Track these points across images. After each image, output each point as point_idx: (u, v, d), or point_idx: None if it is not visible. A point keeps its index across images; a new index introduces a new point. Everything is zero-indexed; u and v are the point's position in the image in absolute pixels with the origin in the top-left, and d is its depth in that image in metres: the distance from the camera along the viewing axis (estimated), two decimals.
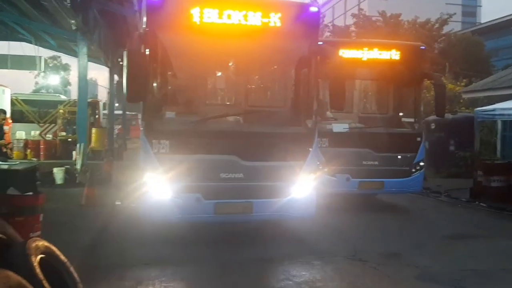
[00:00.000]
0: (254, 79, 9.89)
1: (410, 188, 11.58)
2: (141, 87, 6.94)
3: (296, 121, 8.29)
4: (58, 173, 13.79)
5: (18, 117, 23.14)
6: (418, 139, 11.63)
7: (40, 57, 23.90)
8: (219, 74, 9.37)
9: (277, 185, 7.63)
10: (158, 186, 7.27)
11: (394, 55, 11.31)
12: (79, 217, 9.42)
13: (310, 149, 7.90)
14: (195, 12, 7.37)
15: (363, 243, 8.39)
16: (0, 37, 22.67)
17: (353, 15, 33.87)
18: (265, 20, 7.59)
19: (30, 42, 21.58)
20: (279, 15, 7.64)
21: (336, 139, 11.04)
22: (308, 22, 7.97)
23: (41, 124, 22.66)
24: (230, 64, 9.31)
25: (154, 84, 7.75)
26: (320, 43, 8.66)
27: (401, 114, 12.82)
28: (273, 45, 7.81)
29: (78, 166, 13.97)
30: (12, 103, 23.14)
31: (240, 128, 8.07)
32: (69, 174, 14.07)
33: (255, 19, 7.57)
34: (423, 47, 11.98)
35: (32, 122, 22.79)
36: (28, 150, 20.75)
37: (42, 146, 20.19)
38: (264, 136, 7.87)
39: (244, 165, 7.51)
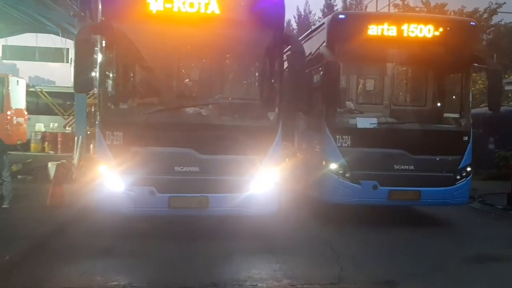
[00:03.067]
0: (213, 70, 8.89)
1: (453, 199, 8.85)
2: (88, 78, 6.68)
3: (257, 113, 7.75)
4: (53, 168, 12.13)
5: (44, 109, 22.14)
6: (465, 138, 8.90)
7: (67, 49, 22.39)
8: (175, 64, 8.30)
9: (235, 179, 7.15)
10: (111, 178, 6.97)
11: (436, 32, 8.59)
12: (29, 219, 8.11)
13: (273, 142, 7.27)
14: (151, 1, 6.94)
15: (352, 267, 6.64)
16: (28, 29, 21.81)
17: (395, 5, 30.80)
18: (225, 8, 7.15)
19: (58, 34, 20.14)
20: (239, 4, 7.35)
21: (361, 136, 8.61)
22: (271, 12, 7.34)
23: (65, 117, 21.67)
24: (186, 54, 8.63)
25: (109, 75, 7.40)
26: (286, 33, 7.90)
27: (443, 106, 10.11)
28: (232, 35, 7.37)
29: (76, 161, 12.85)
30: (37, 95, 22.21)
31: (196, 120, 7.49)
32: (67, 169, 12.57)
33: (213, 8, 7.07)
34: (473, 23, 9.16)
35: (57, 114, 21.77)
36: (46, 143, 19.69)
37: (59, 139, 19.17)
38: (222, 128, 7.34)
39: (200, 158, 7.08)
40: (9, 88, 18.96)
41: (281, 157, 7.60)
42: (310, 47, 9.82)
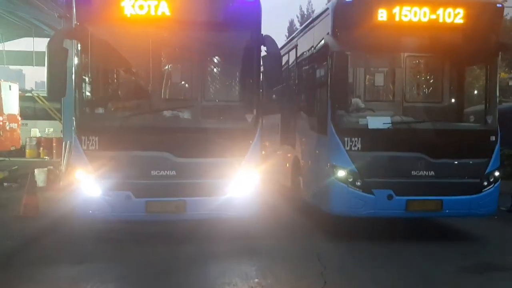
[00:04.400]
0: (189, 73, 8.41)
1: (480, 209, 7.45)
2: (61, 84, 6.44)
3: (235, 115, 7.55)
4: (40, 175, 11.70)
5: (42, 114, 21.15)
6: (492, 138, 7.52)
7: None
8: (150, 68, 7.69)
9: (213, 182, 6.87)
10: (88, 183, 6.76)
11: (457, 16, 7.21)
12: None
13: (251, 145, 7.00)
14: (125, 4, 6.72)
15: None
16: (25, 34, 21.61)
17: None
18: (200, 11, 6.95)
19: None
20: (214, 5, 7.06)
21: (373, 138, 7.28)
22: (247, 13, 7.03)
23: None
24: (162, 57, 8.20)
25: (84, 80, 7.01)
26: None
27: (463, 102, 8.73)
28: (208, 37, 7.24)
29: (63, 167, 11.72)
30: (34, 100, 21.09)
31: (172, 124, 7.22)
32: (54, 176, 12.06)
33: (188, 10, 6.93)
34: (500, 5, 7.72)
35: (55, 119, 20.71)
36: (41, 148, 18.69)
37: (54, 144, 18.27)
38: (198, 131, 7.06)
39: (177, 162, 6.82)
40: (1, 93, 18.04)
41: (260, 159, 7.22)
42: (311, 38, 8.49)
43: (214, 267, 6.22)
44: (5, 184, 11.86)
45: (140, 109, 7.42)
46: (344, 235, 7.64)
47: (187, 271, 6.00)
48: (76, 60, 6.78)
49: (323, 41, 7.61)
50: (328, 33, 7.34)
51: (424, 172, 7.20)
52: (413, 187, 7.18)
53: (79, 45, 6.73)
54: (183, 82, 8.60)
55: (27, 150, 18.87)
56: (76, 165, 6.90)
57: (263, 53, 7.19)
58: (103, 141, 6.74)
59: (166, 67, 8.43)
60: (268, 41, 6.93)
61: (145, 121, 7.10)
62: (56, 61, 6.33)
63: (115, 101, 7.86)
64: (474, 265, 6.56)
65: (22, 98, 20.05)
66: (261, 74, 7.30)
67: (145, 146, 6.79)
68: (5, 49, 23.27)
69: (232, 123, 7.24)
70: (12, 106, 18.80)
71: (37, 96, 21.31)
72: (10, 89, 18.73)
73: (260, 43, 7.05)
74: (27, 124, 20.00)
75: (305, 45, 9.16)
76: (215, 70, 8.55)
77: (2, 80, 18.92)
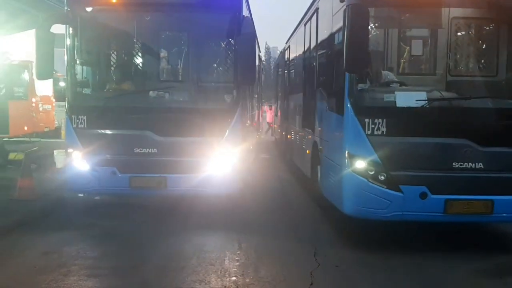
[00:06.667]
0: (171, 54, 8.69)
1: None
2: (49, 65, 6.63)
3: (215, 96, 7.60)
4: (59, 156, 11.15)
5: None
6: None
7: None
8: (135, 50, 8.33)
9: (192, 160, 6.91)
10: (77, 159, 7.00)
11: None
12: None
13: (230, 125, 6.96)
14: None
15: None
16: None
17: None
18: None
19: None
20: None
21: (403, 120, 5.51)
22: None
23: None
24: (145, 39, 8.41)
25: (74, 62, 7.20)
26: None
27: None
28: (190, 18, 7.40)
29: None
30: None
31: (154, 104, 7.28)
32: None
33: None
34: None
35: None
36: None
37: None
38: (179, 111, 7.13)
39: (159, 140, 6.90)
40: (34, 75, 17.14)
41: (240, 138, 7.16)
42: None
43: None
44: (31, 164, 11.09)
45: (124, 90, 7.50)
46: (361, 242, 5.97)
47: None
48: (67, 44, 7.01)
49: None
50: None
51: (470, 164, 5.36)
52: (454, 183, 5.37)
53: (70, 29, 6.97)
54: (165, 64, 8.66)
55: (62, 132, 18.10)
56: (67, 142, 7.12)
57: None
58: (91, 120, 6.95)
59: (149, 49, 8.49)
60: (245, 21, 6.86)
61: (129, 101, 7.18)
62: (43, 45, 6.57)
63: (102, 82, 7.94)
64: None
65: (57, 80, 19.31)
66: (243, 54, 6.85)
67: (129, 125, 6.94)
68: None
69: (211, 104, 7.18)
70: (46, 87, 18.01)
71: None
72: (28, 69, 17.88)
73: (240, 25, 6.86)
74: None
75: (324, 8, 7.38)
76: (196, 51, 8.29)
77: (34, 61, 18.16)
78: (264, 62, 62.83)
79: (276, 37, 78.49)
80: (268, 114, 23.49)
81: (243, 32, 6.63)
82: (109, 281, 4.87)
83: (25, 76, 16.87)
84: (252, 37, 6.66)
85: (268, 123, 23.79)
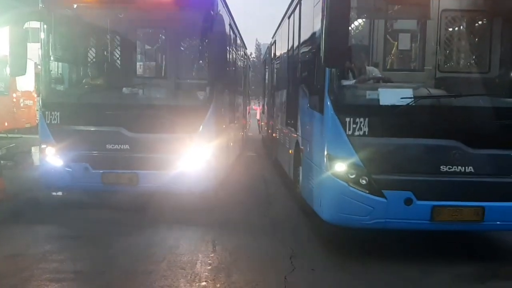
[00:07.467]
0: (144, 51, 9.01)
1: None
2: (22, 62, 6.71)
3: (187, 93, 7.53)
4: (37, 153, 10.55)
5: None
6: None
7: None
8: (108, 47, 8.23)
9: (164, 157, 6.83)
10: (51, 155, 6.98)
11: None
12: None
13: (203, 121, 6.87)
14: None
15: None
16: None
17: None
18: None
19: None
20: None
21: (386, 119, 5.04)
22: None
23: None
24: (119, 36, 8.43)
25: (48, 58, 7.15)
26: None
27: None
28: (162, 15, 7.35)
29: None
30: None
31: (126, 100, 7.17)
32: None
33: None
34: None
35: None
36: None
37: None
38: (151, 108, 6.97)
39: (130, 136, 6.85)
40: None
41: (214, 135, 7.10)
42: None
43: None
44: (1, 162, 10.72)
45: (98, 87, 7.49)
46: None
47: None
48: (41, 40, 6.97)
49: None
50: None
51: (459, 167, 4.91)
52: (442, 188, 4.93)
53: (44, 26, 6.93)
54: (139, 61, 8.72)
55: None
56: (41, 138, 7.06)
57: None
58: (64, 116, 6.93)
59: (123, 46, 8.48)
60: (218, 19, 6.94)
61: (102, 97, 7.17)
62: (17, 41, 6.67)
63: (76, 78, 7.95)
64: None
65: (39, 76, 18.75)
66: (215, 52, 7.11)
67: (101, 121, 6.90)
68: None
69: (184, 100, 7.19)
70: (27, 83, 17.44)
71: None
72: None
73: (214, 21, 6.93)
74: None
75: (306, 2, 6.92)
76: (170, 48, 8.34)
77: None
78: (254, 59, 62.21)
79: (268, 33, 77.63)
80: (258, 111, 23.09)
81: (214, 30, 6.74)
82: (71, 287, 4.59)
83: (6, 71, 16.39)
84: (223, 35, 6.79)
85: (258, 120, 23.40)
